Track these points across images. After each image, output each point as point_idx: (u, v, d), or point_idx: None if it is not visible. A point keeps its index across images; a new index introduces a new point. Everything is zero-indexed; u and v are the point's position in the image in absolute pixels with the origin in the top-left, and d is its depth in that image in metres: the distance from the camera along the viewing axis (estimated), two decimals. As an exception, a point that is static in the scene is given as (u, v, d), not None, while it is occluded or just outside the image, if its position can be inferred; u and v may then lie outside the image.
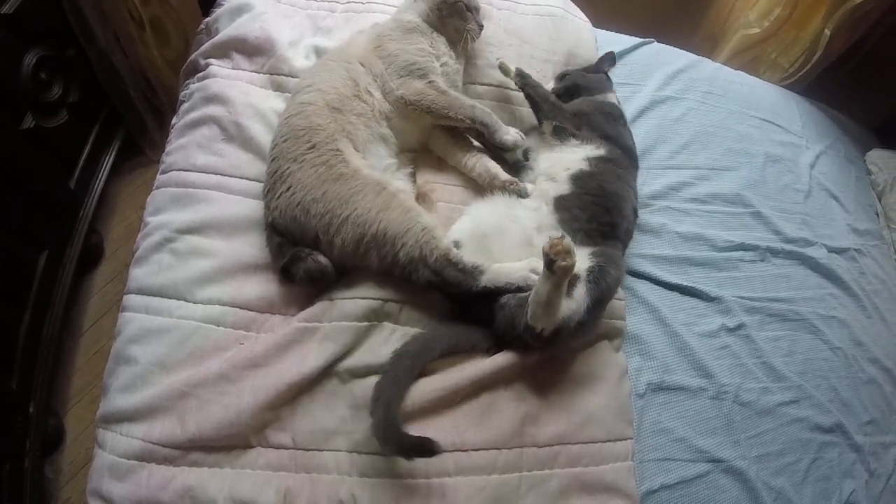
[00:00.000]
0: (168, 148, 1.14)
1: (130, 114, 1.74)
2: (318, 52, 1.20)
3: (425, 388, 0.91)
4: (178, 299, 0.97)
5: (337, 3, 1.31)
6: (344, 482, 0.87)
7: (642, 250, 1.20)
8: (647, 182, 1.29)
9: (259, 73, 1.18)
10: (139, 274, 1.01)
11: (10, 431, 1.34)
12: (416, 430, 0.89)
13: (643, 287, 1.17)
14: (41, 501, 1.46)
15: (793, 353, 1.24)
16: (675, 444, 1.03)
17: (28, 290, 1.44)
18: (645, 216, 1.23)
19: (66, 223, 1.63)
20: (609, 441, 0.96)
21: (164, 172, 1.10)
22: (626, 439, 0.98)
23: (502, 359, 0.94)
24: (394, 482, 0.87)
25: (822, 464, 1.14)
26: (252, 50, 1.19)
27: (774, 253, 1.34)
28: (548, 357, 0.97)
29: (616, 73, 1.37)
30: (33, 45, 1.42)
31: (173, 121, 1.19)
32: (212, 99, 1.13)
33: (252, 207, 1.04)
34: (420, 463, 0.87)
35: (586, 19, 1.48)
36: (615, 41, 1.50)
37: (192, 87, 1.19)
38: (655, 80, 1.45)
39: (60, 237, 1.59)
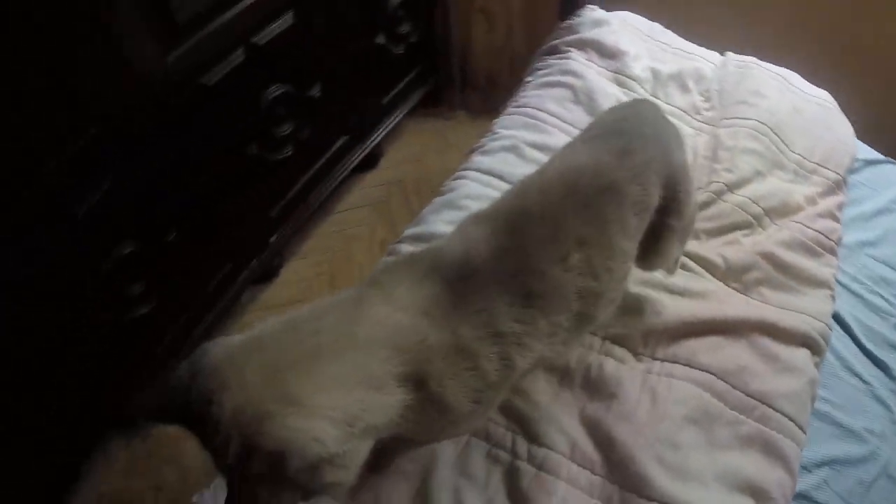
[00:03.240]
0: (520, 96, 1.53)
1: (443, 74, 2.21)
2: (654, 72, 1.56)
3: (683, 310, 1.17)
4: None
5: (667, 46, 1.68)
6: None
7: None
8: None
9: (607, 70, 1.55)
10: (483, 160, 1.37)
11: (255, 251, 1.72)
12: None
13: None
14: (224, 313, 1.80)
15: None
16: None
17: (315, 163, 1.90)
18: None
19: (363, 132, 2.06)
20: (793, 422, 1.15)
21: (518, 106, 1.48)
22: (803, 429, 1.17)
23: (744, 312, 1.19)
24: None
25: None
26: (605, 52, 1.57)
27: None
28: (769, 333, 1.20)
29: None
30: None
31: (528, 79, 1.59)
32: (569, 72, 1.52)
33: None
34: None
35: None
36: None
37: (551, 61, 1.59)
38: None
39: (359, 137, 2.03)
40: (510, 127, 1.43)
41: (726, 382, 1.13)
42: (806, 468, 1.12)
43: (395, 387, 0.68)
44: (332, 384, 0.64)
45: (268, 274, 1.98)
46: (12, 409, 1.31)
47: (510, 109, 1.49)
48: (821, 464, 1.14)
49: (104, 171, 1.29)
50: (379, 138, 2.08)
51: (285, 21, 1.58)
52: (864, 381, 1.32)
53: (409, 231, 1.28)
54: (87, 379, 1.47)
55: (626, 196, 0.89)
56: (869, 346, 1.36)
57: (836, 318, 1.35)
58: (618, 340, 1.17)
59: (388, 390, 0.68)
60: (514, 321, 0.76)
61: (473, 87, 2.22)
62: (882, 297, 1.42)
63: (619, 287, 1.01)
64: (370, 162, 2.15)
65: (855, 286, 1.44)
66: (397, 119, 2.13)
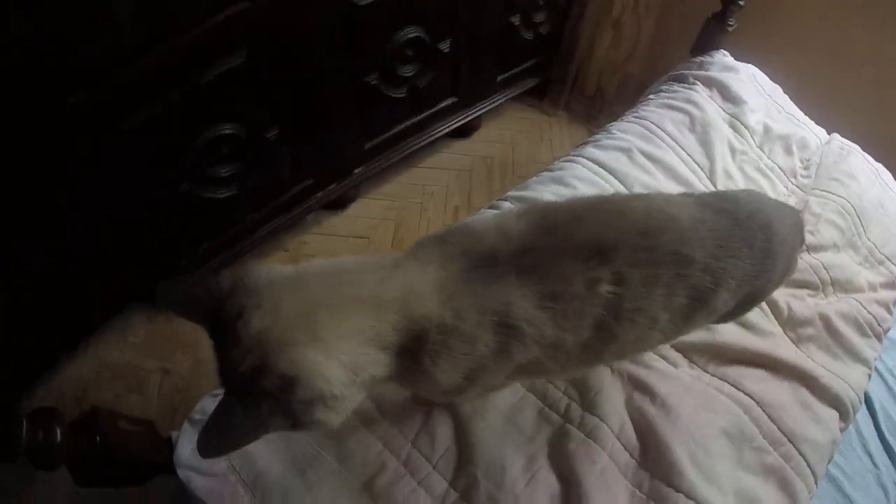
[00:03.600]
0: (640, 109, 1.63)
1: (558, 72, 2.30)
2: (765, 127, 1.66)
3: (741, 338, 1.26)
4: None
5: (782, 108, 1.77)
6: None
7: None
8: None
9: (725, 112, 1.65)
10: (595, 152, 1.47)
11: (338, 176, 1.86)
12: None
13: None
14: (288, 225, 1.89)
15: None
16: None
17: (420, 113, 2.02)
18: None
19: (470, 100, 2.17)
20: (811, 469, 1.23)
21: (637, 117, 1.58)
22: (816, 480, 1.25)
23: (793, 359, 1.28)
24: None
25: None
26: (728, 96, 1.67)
27: None
28: (809, 385, 1.28)
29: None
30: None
31: (650, 96, 1.69)
32: (691, 102, 1.61)
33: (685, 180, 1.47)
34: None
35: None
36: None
37: (677, 87, 1.69)
38: None
39: (465, 104, 2.13)
40: (627, 132, 1.53)
41: (764, 412, 1.22)
42: (807, 521, 1.20)
43: (395, 351, 0.73)
44: (352, 334, 0.69)
45: (339, 203, 2.07)
46: (60, 255, 1.38)
47: (629, 118, 1.59)
48: (821, 522, 1.22)
49: (240, 46, 1.38)
50: (481, 111, 2.18)
51: (442, -31, 1.68)
52: (874, 464, 1.40)
53: (514, 193, 1.39)
54: (142, 244, 1.56)
55: (691, 277, 0.85)
56: (887, 434, 1.45)
57: (866, 398, 1.44)
58: (676, 346, 1.26)
59: (390, 352, 0.72)
60: (524, 319, 0.76)
61: (582, 93, 2.32)
62: (910, 395, 1.51)
63: (633, 349, 1.05)
64: (465, 131, 2.25)
65: (889, 378, 1.53)
66: (503, 99, 2.23)
